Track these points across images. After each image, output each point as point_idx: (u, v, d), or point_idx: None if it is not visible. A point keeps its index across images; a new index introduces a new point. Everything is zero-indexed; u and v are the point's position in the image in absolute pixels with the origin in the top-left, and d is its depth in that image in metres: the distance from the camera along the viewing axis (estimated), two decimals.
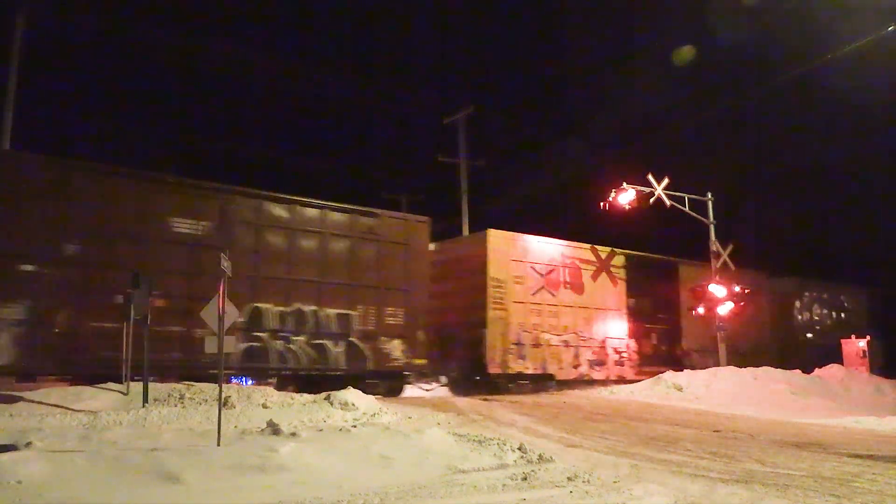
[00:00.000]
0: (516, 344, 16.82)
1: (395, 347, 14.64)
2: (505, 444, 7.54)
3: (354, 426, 8.95)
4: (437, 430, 8.21)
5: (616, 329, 19.45)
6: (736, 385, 16.82)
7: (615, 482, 6.18)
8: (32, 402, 9.78)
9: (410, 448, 7.20)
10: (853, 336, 23.34)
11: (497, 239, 16.99)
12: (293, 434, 7.68)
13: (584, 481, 6.14)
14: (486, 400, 14.57)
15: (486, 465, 6.84)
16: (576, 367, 18.07)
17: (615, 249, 19.81)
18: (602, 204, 19.55)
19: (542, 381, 17.37)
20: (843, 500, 5.80)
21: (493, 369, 16.26)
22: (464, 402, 14.01)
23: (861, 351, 22.47)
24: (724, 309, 19.48)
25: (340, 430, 8.44)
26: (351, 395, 11.24)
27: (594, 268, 19.14)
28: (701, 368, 19.90)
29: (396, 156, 45.78)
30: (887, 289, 31.04)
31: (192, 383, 11.35)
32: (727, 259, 20.34)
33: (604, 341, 18.97)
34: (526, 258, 17.43)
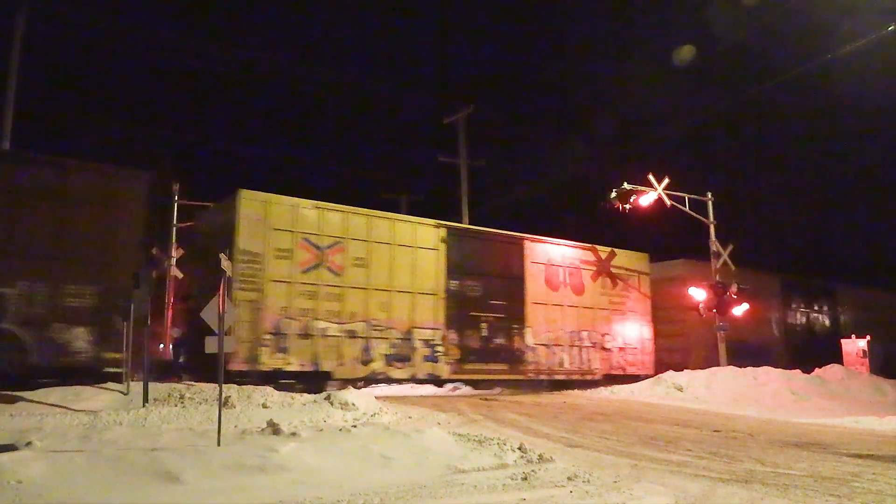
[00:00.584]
0: (273, 334, 13.49)
1: (79, 337, 11.45)
2: (505, 444, 7.54)
3: (354, 426, 8.95)
4: (437, 430, 8.21)
5: (428, 317, 15.82)
6: (736, 385, 16.83)
7: (615, 482, 6.18)
8: (32, 402, 9.79)
9: (410, 448, 7.20)
10: (853, 336, 23.30)
11: (252, 203, 13.76)
12: (293, 434, 7.69)
13: (584, 481, 6.14)
14: (485, 400, 14.58)
15: (486, 464, 6.84)
16: (366, 362, 14.61)
17: (431, 221, 16.49)
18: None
19: (315, 381, 14.03)
20: (843, 499, 5.80)
21: (237, 365, 12.93)
22: (464, 402, 14.02)
23: (861, 351, 22.44)
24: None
25: (340, 429, 8.44)
26: (351, 395, 11.28)
27: (400, 244, 15.66)
28: (548, 366, 17.79)
29: (396, 156, 45.86)
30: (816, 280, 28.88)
31: (192, 383, 11.36)
32: (727, 259, 20.34)
33: (409, 332, 15.38)
34: (297, 228, 14.17)
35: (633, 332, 19.87)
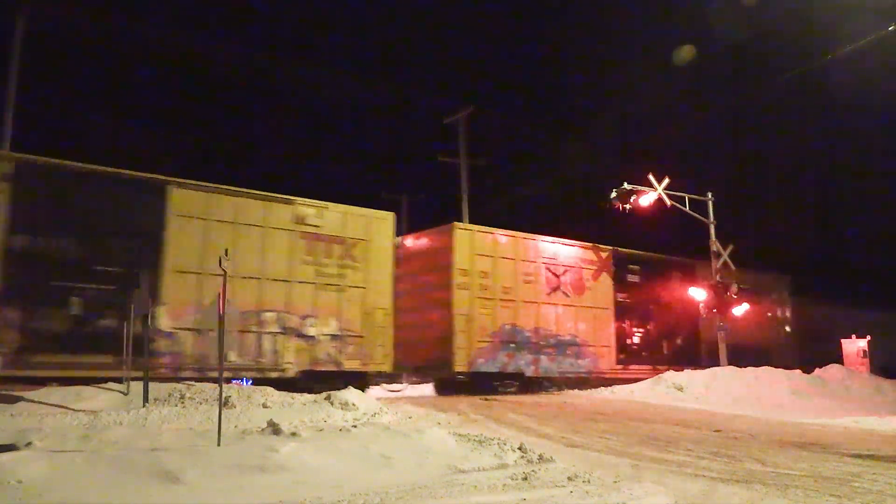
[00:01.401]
0: None
1: None
2: (505, 444, 7.54)
3: (355, 426, 8.95)
4: (437, 430, 8.21)
5: None
6: (736, 385, 16.84)
7: (615, 482, 6.18)
8: (32, 401, 9.79)
9: (411, 448, 7.20)
10: (854, 336, 23.26)
11: None
12: (293, 434, 7.69)
13: (584, 481, 6.14)
14: (486, 400, 14.58)
15: (487, 464, 6.83)
16: None
17: None
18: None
19: None
20: (843, 500, 5.79)
21: None
22: (465, 402, 14.01)
23: (861, 351, 22.45)
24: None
25: (341, 429, 8.44)
26: (351, 394, 11.27)
27: None
28: (199, 358, 12.62)
29: (396, 156, 45.90)
30: None
31: (192, 383, 11.36)
32: (727, 259, 20.34)
33: None
34: None
35: (356, 316, 14.63)
